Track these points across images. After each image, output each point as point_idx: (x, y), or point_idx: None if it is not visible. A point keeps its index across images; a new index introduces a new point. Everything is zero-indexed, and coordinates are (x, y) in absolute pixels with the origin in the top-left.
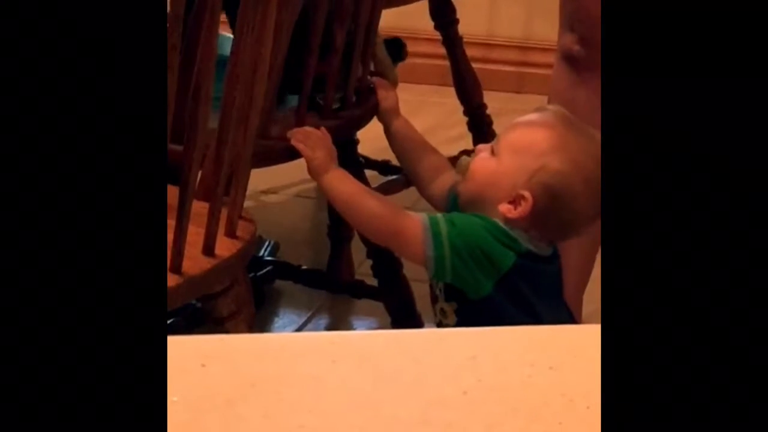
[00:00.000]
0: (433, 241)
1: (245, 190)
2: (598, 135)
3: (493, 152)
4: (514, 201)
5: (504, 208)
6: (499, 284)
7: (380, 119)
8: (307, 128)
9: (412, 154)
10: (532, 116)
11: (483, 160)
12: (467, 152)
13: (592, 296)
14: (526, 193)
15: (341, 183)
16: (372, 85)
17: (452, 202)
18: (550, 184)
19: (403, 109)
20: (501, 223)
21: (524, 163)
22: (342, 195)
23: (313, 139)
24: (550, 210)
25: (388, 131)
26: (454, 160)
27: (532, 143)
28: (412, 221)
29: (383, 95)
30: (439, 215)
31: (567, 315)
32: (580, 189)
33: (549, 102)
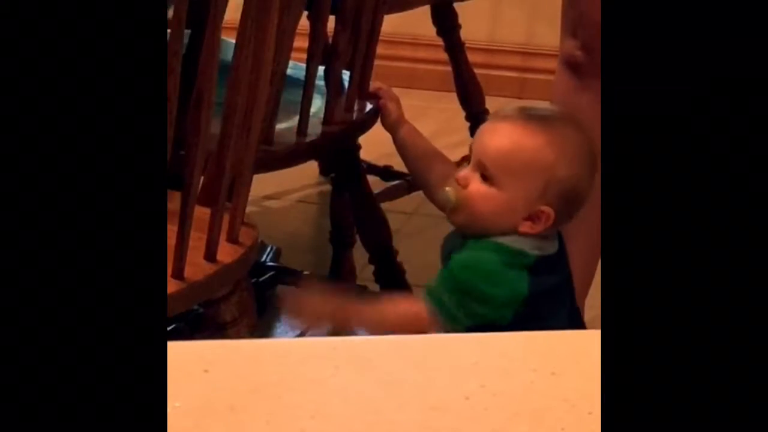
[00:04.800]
0: (444, 317)
1: (247, 195)
2: (561, 114)
3: (484, 178)
4: (532, 217)
5: (525, 227)
6: (518, 310)
7: (386, 129)
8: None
9: (420, 162)
10: (502, 129)
11: (481, 192)
12: (467, 158)
13: (593, 302)
14: (546, 208)
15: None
16: (375, 97)
17: None
18: (564, 190)
19: (406, 115)
20: (504, 242)
21: (530, 185)
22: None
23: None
24: (570, 209)
25: (395, 140)
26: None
27: (530, 162)
28: (418, 310)
29: (387, 110)
30: (434, 288)
31: (579, 321)
32: (585, 173)
33: None
